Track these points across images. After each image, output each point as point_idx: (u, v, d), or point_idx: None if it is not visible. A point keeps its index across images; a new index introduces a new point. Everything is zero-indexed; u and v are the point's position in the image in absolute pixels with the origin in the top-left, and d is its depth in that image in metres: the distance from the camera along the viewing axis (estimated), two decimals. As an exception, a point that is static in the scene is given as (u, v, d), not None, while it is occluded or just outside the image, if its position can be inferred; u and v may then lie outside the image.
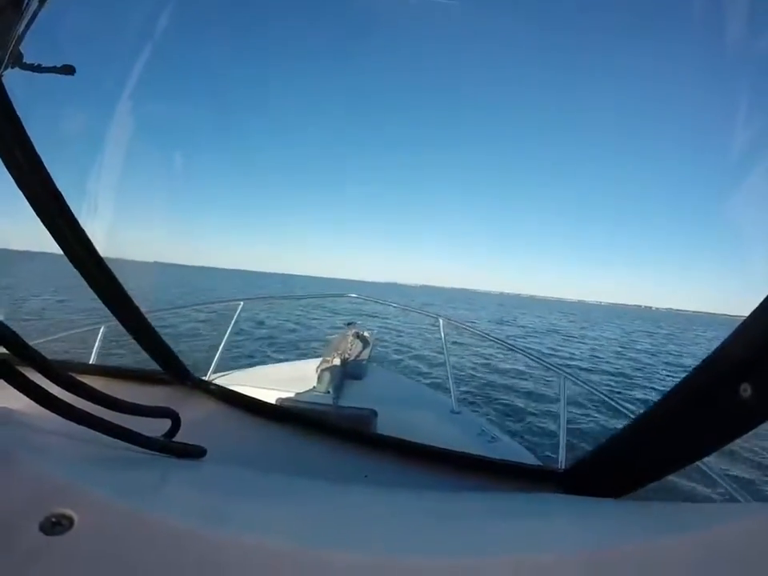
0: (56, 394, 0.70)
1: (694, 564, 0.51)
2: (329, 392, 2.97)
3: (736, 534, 0.52)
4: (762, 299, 0.62)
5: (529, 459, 2.53)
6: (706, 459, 0.88)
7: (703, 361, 0.73)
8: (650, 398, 9.44)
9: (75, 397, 0.75)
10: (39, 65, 0.83)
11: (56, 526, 0.54)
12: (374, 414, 2.73)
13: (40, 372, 0.70)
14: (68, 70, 0.86)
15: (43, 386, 0.68)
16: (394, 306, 4.74)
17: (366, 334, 4.31)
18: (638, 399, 9.21)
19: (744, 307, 0.65)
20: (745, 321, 0.66)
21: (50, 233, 1.03)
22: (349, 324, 4.56)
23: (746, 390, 0.63)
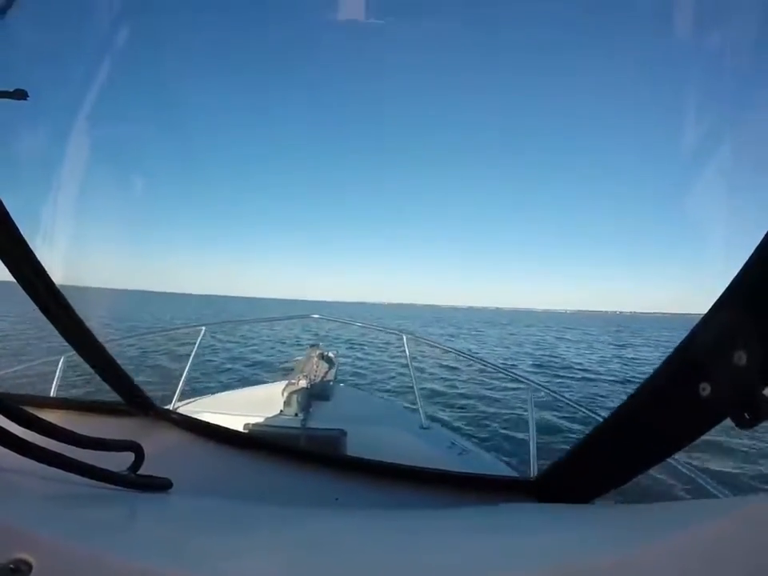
0: (12, 431, 0.67)
1: (672, 565, 0.52)
2: (297, 414, 2.93)
3: (712, 532, 0.54)
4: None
5: (501, 470, 2.55)
6: (676, 456, 0.91)
7: (662, 362, 0.76)
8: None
9: (33, 433, 0.72)
10: (-9, 90, 0.81)
11: (15, 572, 0.51)
12: (344, 434, 2.71)
13: None
14: (21, 95, 0.84)
15: None
16: (358, 325, 4.75)
17: (330, 354, 4.28)
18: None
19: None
20: (700, 320, 0.68)
21: (1, 259, 0.99)
22: (313, 345, 4.54)
23: (705, 388, 0.66)
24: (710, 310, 0.67)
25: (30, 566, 0.52)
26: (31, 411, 0.72)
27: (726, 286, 0.64)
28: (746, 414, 0.60)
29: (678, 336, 0.73)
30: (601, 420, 1.13)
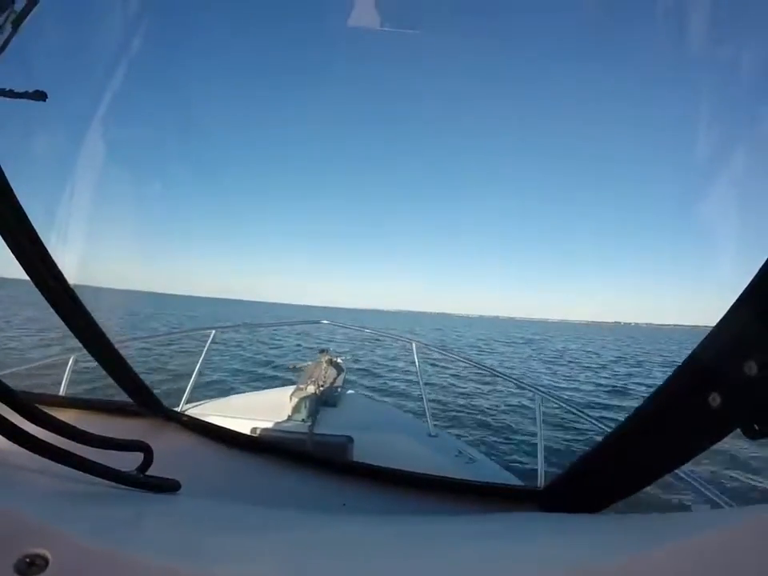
0: (25, 429, 0.68)
1: (676, 574, 0.51)
2: (304, 420, 2.93)
3: (718, 542, 0.53)
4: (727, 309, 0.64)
5: (508, 479, 2.53)
6: (682, 467, 0.90)
7: (673, 373, 0.75)
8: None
9: (45, 431, 0.73)
10: (11, 90, 0.83)
11: (31, 566, 0.52)
12: (350, 440, 2.71)
13: (8, 405, 0.68)
14: (40, 96, 0.85)
15: (11, 419, 0.66)
16: (368, 331, 4.74)
17: (339, 360, 4.27)
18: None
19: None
20: (711, 331, 0.68)
21: (17, 258, 1.01)
22: (322, 351, 4.53)
23: (714, 399, 0.65)
24: (721, 320, 0.66)
25: (46, 561, 0.53)
26: (43, 409, 0.73)
27: (737, 296, 0.63)
28: (755, 425, 0.59)
29: None
30: (609, 430, 1.12)
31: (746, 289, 0.62)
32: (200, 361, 3.19)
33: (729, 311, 0.65)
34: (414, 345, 3.30)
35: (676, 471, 0.86)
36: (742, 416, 0.62)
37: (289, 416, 3.03)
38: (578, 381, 14.41)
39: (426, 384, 3.28)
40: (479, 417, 8.31)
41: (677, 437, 0.77)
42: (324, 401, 3.23)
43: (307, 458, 1.40)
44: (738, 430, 0.62)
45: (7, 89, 0.83)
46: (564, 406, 2.49)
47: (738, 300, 0.63)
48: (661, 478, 0.83)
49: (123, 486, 0.83)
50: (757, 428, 0.59)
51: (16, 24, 0.81)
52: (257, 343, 16.80)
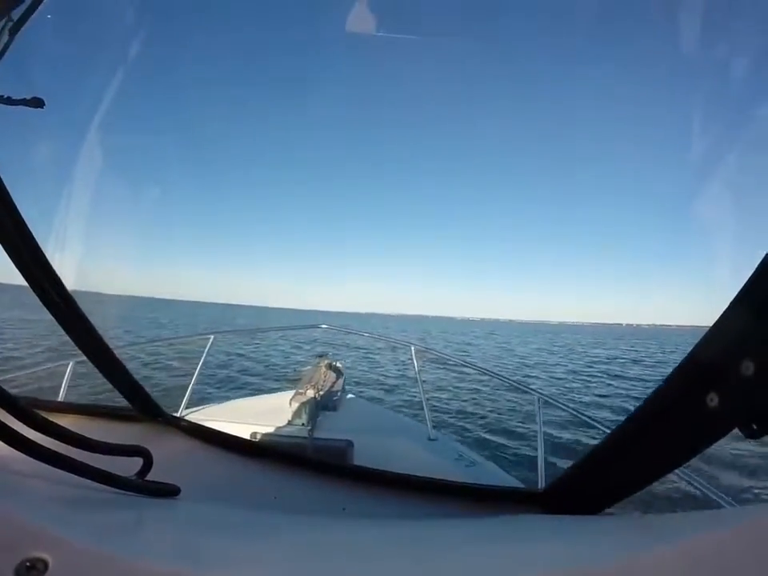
0: (24, 434, 0.68)
1: (678, 575, 0.51)
2: (304, 425, 2.94)
3: (719, 542, 0.53)
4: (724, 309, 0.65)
5: (508, 482, 2.53)
6: (682, 467, 0.90)
7: (670, 373, 0.75)
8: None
9: (44, 436, 0.73)
10: (9, 97, 0.83)
11: (31, 570, 0.53)
12: (350, 444, 2.71)
13: (7, 411, 0.68)
14: (37, 103, 0.85)
15: (11, 425, 0.66)
16: (366, 336, 4.75)
17: (338, 364, 4.29)
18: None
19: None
20: (708, 331, 0.68)
21: (15, 264, 1.01)
22: (321, 355, 4.53)
23: (712, 399, 0.66)
24: (718, 320, 0.66)
25: (46, 565, 0.54)
26: (42, 415, 0.73)
27: (734, 296, 0.64)
28: (753, 425, 0.59)
29: None
30: (608, 431, 1.12)
31: (743, 288, 0.63)
32: (199, 366, 3.19)
33: (726, 311, 0.65)
34: (412, 348, 3.30)
35: (675, 471, 0.86)
36: (740, 416, 0.62)
37: (289, 420, 3.03)
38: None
39: (425, 387, 3.28)
40: (479, 420, 8.30)
41: (675, 437, 0.77)
42: (324, 405, 3.24)
43: (307, 462, 1.40)
44: (736, 429, 0.62)
45: (5, 96, 0.83)
46: (564, 408, 2.50)
47: (734, 299, 0.64)
48: (661, 478, 0.83)
49: (123, 491, 0.83)
50: (755, 427, 0.59)
51: (13, 32, 0.81)
52: (256, 348, 16.77)
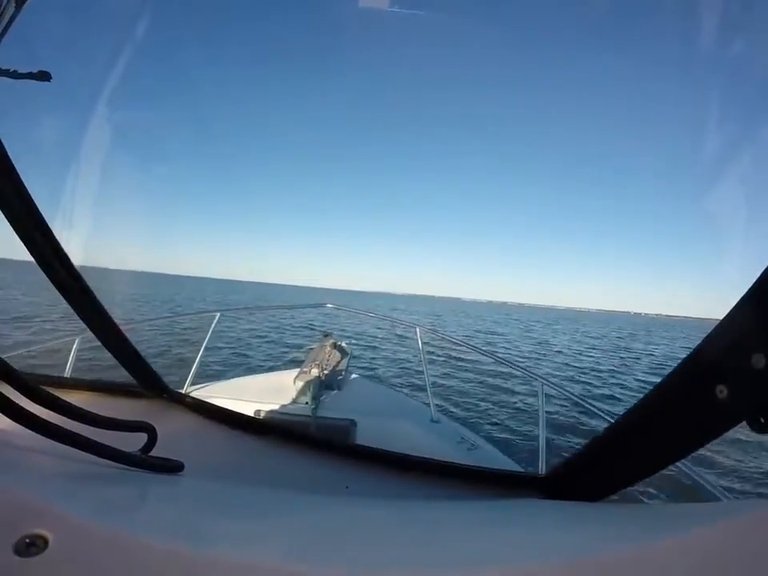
0: (29, 409, 0.69)
1: (678, 564, 0.52)
2: (307, 403, 2.96)
3: (716, 534, 0.53)
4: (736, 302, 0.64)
5: (509, 466, 2.55)
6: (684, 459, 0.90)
7: (679, 364, 0.75)
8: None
9: (49, 411, 0.74)
10: (15, 71, 0.82)
11: (30, 547, 0.52)
12: (354, 423, 2.73)
13: (12, 386, 0.68)
14: (44, 76, 0.84)
15: (15, 400, 0.67)
16: (372, 315, 4.73)
17: (343, 344, 4.30)
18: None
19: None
20: (719, 323, 0.67)
21: (22, 240, 1.01)
22: (326, 334, 4.54)
23: (722, 391, 0.65)
24: (729, 312, 0.66)
25: (46, 542, 0.53)
26: (47, 390, 0.74)
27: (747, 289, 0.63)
28: (761, 418, 0.59)
29: None
30: (611, 419, 1.12)
31: (756, 282, 0.62)
32: (204, 343, 3.20)
33: (737, 304, 0.64)
34: (418, 330, 3.29)
35: (679, 462, 0.85)
36: (748, 409, 0.61)
37: (293, 398, 3.06)
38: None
39: (429, 369, 3.29)
40: (482, 403, 8.34)
41: (682, 428, 0.76)
42: (328, 384, 3.26)
43: (310, 440, 1.40)
44: (744, 422, 0.62)
45: (11, 69, 0.82)
46: (567, 394, 2.49)
47: (746, 293, 0.63)
48: (664, 468, 0.83)
49: (126, 467, 0.83)
50: (763, 421, 0.59)
51: (20, 2, 0.79)
52: (262, 326, 16.84)
